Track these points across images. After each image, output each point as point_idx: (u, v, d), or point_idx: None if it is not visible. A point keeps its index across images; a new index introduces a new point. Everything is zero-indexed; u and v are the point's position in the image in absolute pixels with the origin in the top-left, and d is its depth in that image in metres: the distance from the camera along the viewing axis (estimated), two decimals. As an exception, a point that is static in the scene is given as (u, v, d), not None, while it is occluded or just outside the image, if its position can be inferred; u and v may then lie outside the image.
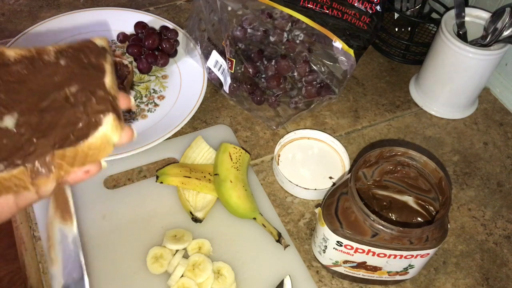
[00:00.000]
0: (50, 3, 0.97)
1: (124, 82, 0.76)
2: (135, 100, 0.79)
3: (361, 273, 0.60)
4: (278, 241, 0.63)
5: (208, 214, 0.65)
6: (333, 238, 0.56)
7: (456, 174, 0.76)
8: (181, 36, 0.87)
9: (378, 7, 0.78)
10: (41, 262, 0.61)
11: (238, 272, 0.61)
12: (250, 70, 0.77)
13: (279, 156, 0.74)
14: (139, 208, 0.66)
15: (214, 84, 0.83)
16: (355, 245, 0.55)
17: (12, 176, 0.37)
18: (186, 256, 0.61)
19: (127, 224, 0.64)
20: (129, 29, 0.86)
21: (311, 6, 0.77)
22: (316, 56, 0.76)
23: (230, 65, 0.76)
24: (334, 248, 0.57)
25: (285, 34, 0.78)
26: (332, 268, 0.61)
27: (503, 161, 0.79)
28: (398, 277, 0.61)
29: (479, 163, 0.78)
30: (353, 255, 0.56)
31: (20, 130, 0.38)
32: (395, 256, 0.55)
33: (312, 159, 0.74)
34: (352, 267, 0.59)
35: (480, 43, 0.77)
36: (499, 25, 0.75)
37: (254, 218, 0.65)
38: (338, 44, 0.75)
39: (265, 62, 0.78)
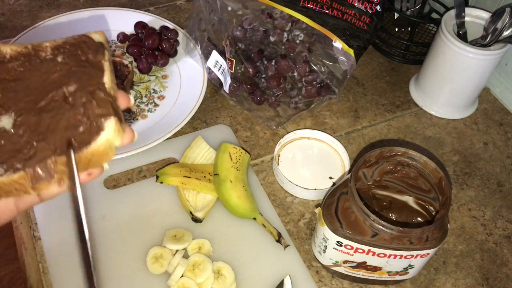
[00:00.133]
0: (50, 3, 0.97)
1: (124, 82, 0.76)
2: (135, 101, 0.79)
3: (361, 273, 0.60)
4: (278, 241, 0.63)
5: (208, 214, 0.65)
6: (333, 238, 0.56)
7: (456, 174, 0.76)
8: (181, 36, 0.87)
9: (378, 7, 0.78)
10: (41, 262, 0.61)
11: (238, 272, 0.61)
12: (250, 70, 0.77)
13: (279, 156, 0.74)
14: (139, 208, 0.66)
15: (214, 84, 0.83)
16: (355, 245, 0.55)
17: (12, 181, 0.36)
18: (186, 256, 0.61)
19: (127, 224, 0.64)
20: (129, 29, 0.86)
21: (311, 6, 0.77)
22: (316, 56, 0.76)
23: (230, 65, 0.76)
24: (334, 248, 0.57)
25: (285, 34, 0.78)
26: (332, 268, 0.61)
27: (503, 161, 0.79)
28: (398, 277, 0.61)
29: (479, 163, 0.78)
30: (353, 255, 0.56)
31: (18, 131, 0.37)
32: (395, 256, 0.55)
33: (312, 159, 0.74)
34: (352, 267, 0.59)
35: (480, 43, 0.77)
36: (499, 25, 0.75)
37: (254, 218, 0.65)
38: (338, 44, 0.75)
39: (265, 62, 0.78)
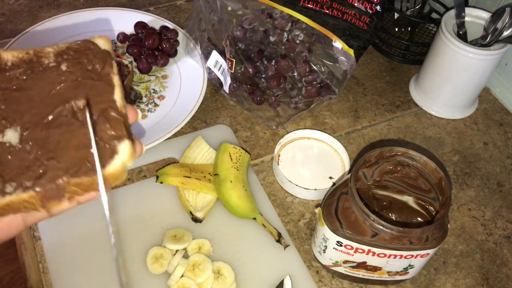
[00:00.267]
0: (50, 3, 0.97)
1: (124, 82, 0.76)
2: (135, 101, 0.79)
3: (361, 273, 0.60)
4: (278, 241, 0.63)
5: (208, 214, 0.65)
6: (333, 238, 0.56)
7: (456, 174, 0.76)
8: (181, 36, 0.87)
9: (378, 7, 0.78)
10: (41, 262, 0.61)
11: (238, 272, 0.61)
12: (250, 70, 0.77)
13: (279, 156, 0.74)
14: (139, 208, 0.66)
15: (214, 84, 0.83)
16: (355, 245, 0.55)
17: (22, 200, 0.35)
18: (186, 256, 0.61)
19: (127, 224, 0.64)
20: (129, 29, 0.86)
21: (311, 6, 0.77)
22: (316, 56, 0.76)
23: (230, 65, 0.76)
24: (334, 248, 0.57)
25: (285, 34, 0.78)
26: (332, 268, 0.61)
27: (503, 161, 0.79)
28: (398, 277, 0.61)
29: (479, 163, 0.78)
30: (353, 255, 0.56)
31: (26, 146, 0.35)
32: (395, 256, 0.55)
33: (312, 159, 0.74)
34: (352, 267, 0.59)
35: (480, 43, 0.77)
36: (499, 25, 0.75)
37: (254, 218, 0.65)
38: (338, 44, 0.75)
39: (265, 62, 0.78)
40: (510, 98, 0.87)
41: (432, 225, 0.52)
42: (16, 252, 0.68)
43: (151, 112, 0.78)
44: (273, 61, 0.77)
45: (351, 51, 0.75)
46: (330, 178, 0.72)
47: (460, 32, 0.79)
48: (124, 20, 0.88)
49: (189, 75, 0.83)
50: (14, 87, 0.37)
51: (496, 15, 0.76)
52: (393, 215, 0.62)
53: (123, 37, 0.86)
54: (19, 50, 0.39)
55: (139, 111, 0.42)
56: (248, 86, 0.78)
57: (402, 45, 0.91)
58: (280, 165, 0.72)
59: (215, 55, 0.79)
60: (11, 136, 0.36)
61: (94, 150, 0.35)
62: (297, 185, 0.68)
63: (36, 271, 0.61)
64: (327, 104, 0.84)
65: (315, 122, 0.81)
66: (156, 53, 0.82)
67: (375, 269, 0.58)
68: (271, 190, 0.71)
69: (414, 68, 0.92)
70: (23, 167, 0.35)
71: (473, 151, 0.80)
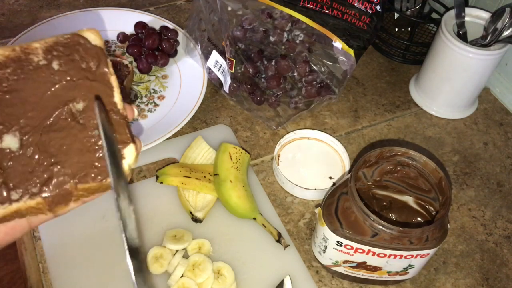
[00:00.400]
0: (50, 3, 0.97)
1: (124, 82, 0.76)
2: (135, 101, 0.79)
3: (361, 273, 0.60)
4: (278, 241, 0.63)
5: (208, 214, 0.65)
6: (333, 238, 0.56)
7: (456, 174, 0.76)
8: (181, 36, 0.87)
9: (378, 7, 0.78)
10: (41, 262, 0.61)
11: (238, 272, 0.61)
12: (250, 70, 0.77)
13: (279, 156, 0.74)
14: (139, 208, 0.66)
15: (214, 84, 0.83)
16: (355, 245, 0.55)
17: (29, 207, 0.35)
18: (186, 256, 0.61)
19: (127, 224, 0.64)
20: (129, 29, 0.86)
21: (311, 6, 0.77)
22: (316, 56, 0.76)
23: (230, 65, 0.76)
24: (334, 248, 0.57)
25: (285, 34, 0.78)
26: (332, 268, 0.61)
27: (503, 161, 0.79)
28: (398, 277, 0.61)
29: (479, 163, 0.78)
30: (353, 255, 0.56)
31: (27, 152, 0.35)
32: (395, 256, 0.55)
33: (312, 159, 0.74)
34: (352, 267, 0.59)
35: (480, 43, 0.77)
36: (499, 25, 0.75)
37: (254, 218, 0.65)
38: (338, 44, 0.75)
39: (265, 62, 0.78)
40: (510, 98, 0.87)
41: (432, 225, 0.52)
42: (16, 252, 0.68)
43: (151, 112, 0.78)
44: (273, 61, 0.77)
45: (351, 51, 0.75)
46: (330, 178, 0.72)
47: (460, 32, 0.79)
48: (124, 20, 0.88)
49: (189, 75, 0.83)
50: (6, 89, 0.35)
51: (496, 15, 0.76)
52: (393, 215, 0.62)
53: (123, 37, 0.86)
54: (4, 47, 0.37)
55: (135, 109, 0.41)
56: (248, 86, 0.78)
57: (402, 45, 0.91)
58: (280, 165, 0.72)
59: (215, 55, 0.79)
60: (10, 141, 0.35)
61: (106, 160, 0.35)
62: (297, 185, 0.68)
63: (36, 271, 0.61)
64: (327, 104, 0.84)
65: (315, 122, 0.81)
66: (156, 53, 0.82)
67: (375, 269, 0.58)
68: (271, 190, 0.71)
69: (414, 68, 0.92)
70: (27, 172, 0.34)
71: (473, 151, 0.80)
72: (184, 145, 0.73)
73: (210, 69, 0.81)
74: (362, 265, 0.58)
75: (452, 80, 0.80)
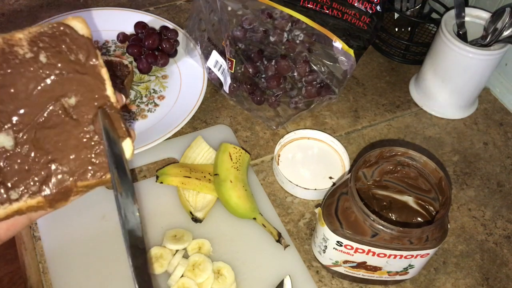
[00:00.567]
0: (50, 3, 0.97)
1: (124, 82, 0.76)
2: (135, 101, 0.79)
3: (361, 273, 0.60)
4: (278, 241, 0.63)
5: (208, 214, 0.65)
6: (333, 238, 0.56)
7: (456, 174, 0.76)
8: (181, 36, 0.87)
9: (378, 7, 0.78)
10: (41, 262, 0.61)
11: (238, 272, 0.61)
12: (250, 70, 0.77)
13: (279, 156, 0.74)
14: (140, 209, 0.66)
15: (214, 84, 0.83)
16: (355, 245, 0.55)
17: (30, 206, 0.34)
18: (186, 256, 0.61)
19: (127, 224, 0.64)
20: (129, 29, 0.86)
21: (311, 6, 0.77)
22: (316, 56, 0.76)
23: (230, 65, 0.76)
24: (334, 248, 0.57)
25: (285, 34, 0.78)
26: (332, 268, 0.61)
27: (503, 161, 0.79)
28: (398, 277, 0.61)
29: (479, 163, 0.78)
30: (353, 255, 0.56)
31: (22, 150, 0.34)
32: (395, 256, 0.55)
33: (312, 159, 0.74)
34: (352, 267, 0.59)
35: (480, 43, 0.77)
36: (499, 25, 0.75)
37: (254, 218, 0.65)
38: (338, 44, 0.75)
39: (265, 62, 0.78)
40: (510, 98, 0.87)
41: (432, 225, 0.52)
42: (16, 252, 0.68)
43: (151, 112, 0.78)
44: (273, 61, 0.77)
45: (351, 51, 0.75)
46: (330, 178, 0.72)
47: (460, 32, 0.79)
48: (124, 20, 0.88)
49: (189, 75, 0.83)
50: None
51: (496, 15, 0.76)
52: (393, 215, 0.62)
53: (123, 37, 0.86)
54: None
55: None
56: (248, 86, 0.78)
57: (402, 45, 0.91)
58: (280, 165, 0.72)
59: (215, 55, 0.79)
60: (4, 139, 0.34)
61: (110, 165, 0.35)
62: (297, 185, 0.68)
63: (36, 271, 0.61)
64: (327, 104, 0.84)
65: (315, 122, 0.81)
66: (156, 53, 0.82)
67: (375, 269, 0.58)
68: (271, 190, 0.71)
69: (414, 68, 0.92)
70: (24, 171, 0.34)
71: (473, 151, 0.80)
72: (184, 145, 0.73)
73: (210, 69, 0.81)
74: (362, 265, 0.58)
75: (452, 80, 0.80)
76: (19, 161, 0.34)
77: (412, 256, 0.55)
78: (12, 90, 0.34)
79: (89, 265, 0.60)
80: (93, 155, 0.36)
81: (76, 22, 0.36)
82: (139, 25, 0.85)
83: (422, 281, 0.64)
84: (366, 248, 0.54)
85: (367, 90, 0.88)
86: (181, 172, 0.66)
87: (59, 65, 0.35)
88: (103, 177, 0.36)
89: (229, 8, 0.78)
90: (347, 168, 0.73)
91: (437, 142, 0.81)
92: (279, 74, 0.77)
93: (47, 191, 0.35)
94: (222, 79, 0.80)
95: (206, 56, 0.81)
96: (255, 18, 0.78)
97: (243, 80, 0.78)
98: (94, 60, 0.36)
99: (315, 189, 0.69)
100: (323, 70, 0.77)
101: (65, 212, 0.64)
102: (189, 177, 0.66)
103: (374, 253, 0.55)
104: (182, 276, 0.59)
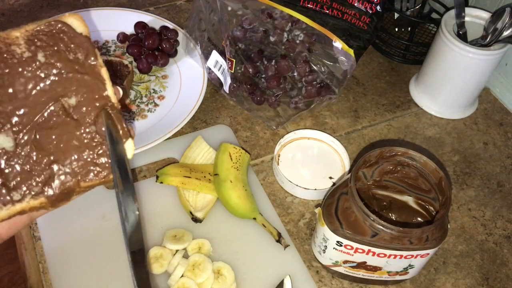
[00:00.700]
0: (50, 3, 0.97)
1: (124, 82, 0.76)
2: (135, 101, 0.79)
3: (361, 273, 0.60)
4: (278, 241, 0.63)
5: (208, 214, 0.65)
6: (333, 238, 0.56)
7: (456, 174, 0.76)
8: (181, 36, 0.87)
9: (378, 7, 0.78)
10: (41, 262, 0.61)
11: (238, 272, 0.61)
12: (250, 70, 0.77)
13: (279, 156, 0.74)
14: (139, 208, 0.66)
15: (214, 84, 0.83)
16: (355, 245, 0.55)
17: (32, 207, 0.34)
18: (186, 256, 0.61)
19: (127, 224, 0.64)
20: (129, 29, 0.86)
21: (311, 6, 0.77)
22: (316, 56, 0.76)
23: (230, 65, 0.76)
24: (334, 248, 0.57)
25: (285, 34, 0.78)
26: (332, 268, 0.61)
27: (503, 161, 0.79)
28: (398, 277, 0.61)
29: (479, 163, 0.78)
30: (353, 255, 0.56)
31: (22, 151, 0.34)
32: (395, 256, 0.55)
33: (312, 159, 0.74)
34: (352, 267, 0.59)
35: (480, 43, 0.77)
36: (499, 25, 0.75)
37: (254, 218, 0.65)
38: (338, 44, 0.75)
39: (265, 62, 0.78)
40: (510, 98, 0.87)
41: (432, 225, 0.52)
42: (16, 252, 0.68)
43: (151, 112, 0.78)
44: (273, 61, 0.77)
45: (351, 51, 0.75)
46: (330, 178, 0.72)
47: (460, 32, 0.79)
48: (124, 20, 0.88)
49: (189, 75, 0.83)
50: None
51: (496, 15, 0.76)
52: (393, 215, 0.62)
53: (123, 37, 0.86)
54: None
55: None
56: (248, 86, 0.78)
57: (402, 45, 0.91)
58: (280, 165, 0.72)
59: (215, 55, 0.79)
60: (4, 140, 0.34)
61: (113, 165, 0.35)
62: (297, 185, 0.68)
63: (36, 271, 0.61)
64: (327, 104, 0.84)
65: (315, 122, 0.81)
66: (156, 53, 0.82)
67: (375, 269, 0.58)
68: (271, 190, 0.71)
69: (414, 68, 0.92)
70: (25, 172, 0.34)
71: (473, 151, 0.80)
72: (184, 145, 0.73)
73: (210, 69, 0.81)
74: (362, 265, 0.58)
75: (452, 80, 0.80)
76: (20, 162, 0.34)
77: (412, 256, 0.55)
78: (10, 90, 0.34)
79: (89, 265, 0.60)
80: (95, 156, 0.36)
81: (74, 20, 0.36)
82: (139, 25, 0.85)
83: (422, 281, 0.64)
84: (366, 248, 0.54)
85: (367, 90, 0.88)
86: (181, 172, 0.66)
87: (58, 64, 0.35)
88: (106, 177, 0.36)
89: (229, 8, 0.78)
90: (347, 168, 0.73)
91: (437, 142, 0.81)
92: (279, 74, 0.77)
93: (50, 192, 0.35)
94: (222, 79, 0.80)
95: (206, 56, 0.81)
96: (255, 18, 0.78)
97: (243, 80, 0.78)
98: (93, 59, 0.36)
99: (315, 189, 0.69)
100: (323, 70, 0.77)
101: (65, 212, 0.64)
102: (189, 177, 0.66)
103: (374, 253, 0.55)
104: (182, 276, 0.59)
